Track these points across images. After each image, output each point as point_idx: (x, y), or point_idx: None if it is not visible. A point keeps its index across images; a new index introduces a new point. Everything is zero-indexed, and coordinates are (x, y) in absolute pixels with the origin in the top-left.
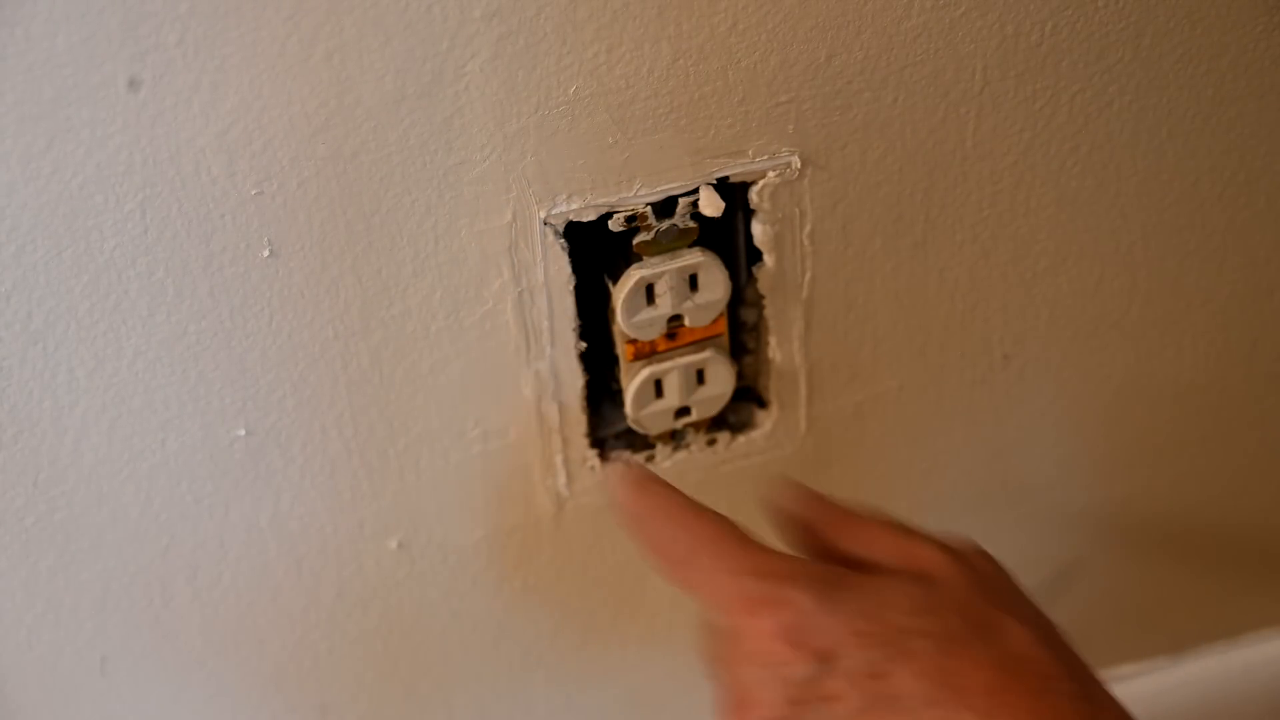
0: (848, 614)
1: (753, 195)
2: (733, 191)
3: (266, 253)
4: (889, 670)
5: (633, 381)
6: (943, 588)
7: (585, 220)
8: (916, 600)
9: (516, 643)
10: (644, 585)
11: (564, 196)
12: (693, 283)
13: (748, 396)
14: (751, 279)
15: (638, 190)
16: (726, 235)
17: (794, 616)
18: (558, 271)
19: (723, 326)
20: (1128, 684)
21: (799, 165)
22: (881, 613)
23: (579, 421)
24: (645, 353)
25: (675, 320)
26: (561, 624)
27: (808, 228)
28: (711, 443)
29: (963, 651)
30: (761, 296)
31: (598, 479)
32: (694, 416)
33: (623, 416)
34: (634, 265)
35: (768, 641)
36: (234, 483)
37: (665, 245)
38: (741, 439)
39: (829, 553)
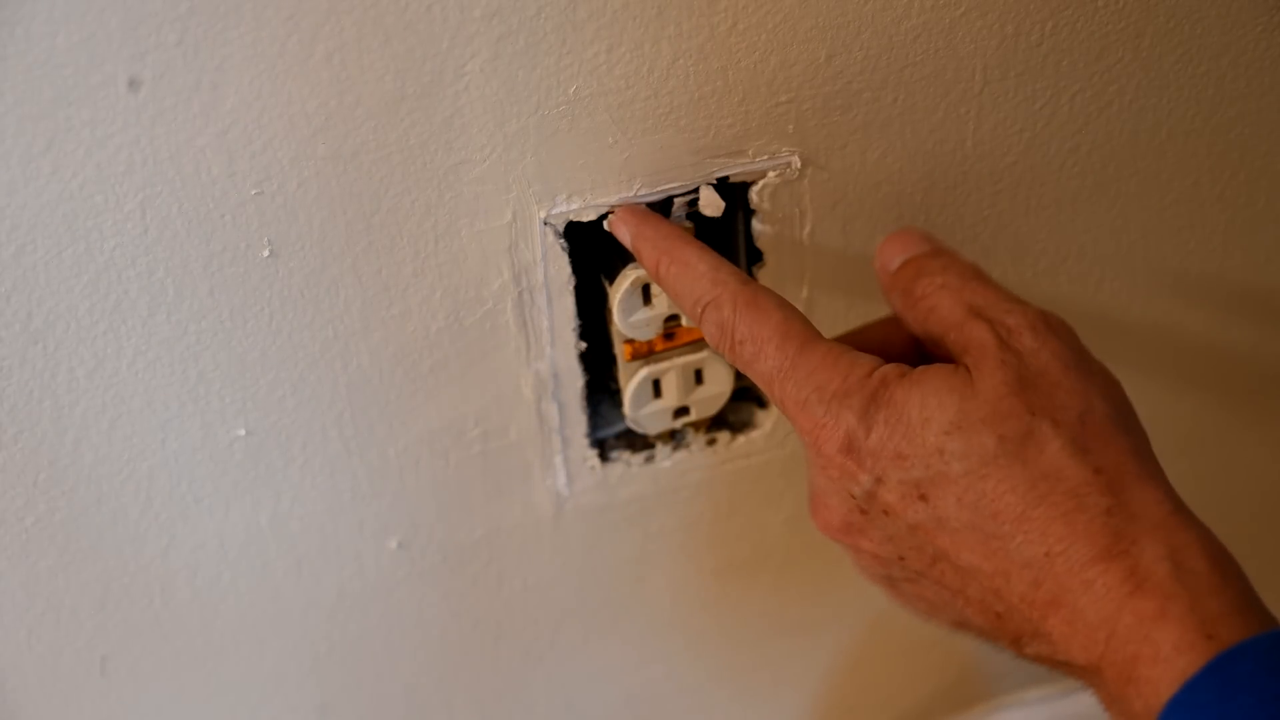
0: (889, 434)
1: (753, 195)
2: (733, 191)
3: (266, 253)
4: (931, 493)
5: (630, 382)
6: (981, 395)
7: (585, 220)
8: (952, 415)
9: (516, 643)
10: (644, 585)
11: (564, 196)
12: None
13: (747, 396)
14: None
15: (638, 190)
16: (726, 235)
17: (846, 437)
18: (557, 271)
19: None
20: None
21: (799, 165)
22: (918, 432)
23: (579, 421)
24: (643, 353)
25: (673, 320)
26: (561, 624)
27: (808, 228)
28: (711, 442)
29: (998, 474)
30: None
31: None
32: (693, 416)
33: (622, 416)
34: (630, 265)
35: (833, 457)
36: (234, 483)
37: None
38: (741, 439)
39: (900, 325)
